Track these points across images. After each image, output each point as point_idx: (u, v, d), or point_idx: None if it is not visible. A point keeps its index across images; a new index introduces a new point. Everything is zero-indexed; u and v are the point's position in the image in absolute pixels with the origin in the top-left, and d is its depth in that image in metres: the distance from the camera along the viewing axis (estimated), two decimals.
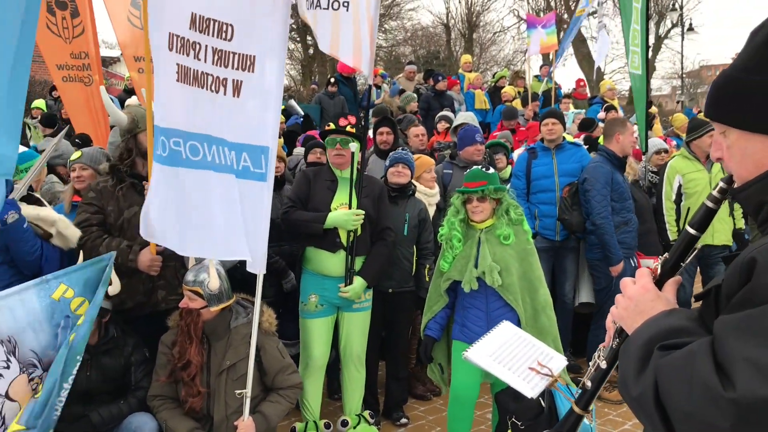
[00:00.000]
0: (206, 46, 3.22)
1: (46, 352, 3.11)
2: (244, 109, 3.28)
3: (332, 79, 11.68)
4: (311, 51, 27.94)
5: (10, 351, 3.01)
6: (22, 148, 5.02)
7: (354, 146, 4.42)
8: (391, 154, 5.24)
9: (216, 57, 3.24)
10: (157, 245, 3.84)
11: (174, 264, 4.00)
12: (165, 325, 3.84)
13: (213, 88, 3.26)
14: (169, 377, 3.60)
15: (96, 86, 6.78)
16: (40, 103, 11.39)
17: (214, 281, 3.58)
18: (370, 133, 6.32)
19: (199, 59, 3.23)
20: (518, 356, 2.99)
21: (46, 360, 3.10)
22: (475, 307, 3.94)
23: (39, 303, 3.12)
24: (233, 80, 3.26)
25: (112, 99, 11.51)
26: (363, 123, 5.05)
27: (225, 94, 3.26)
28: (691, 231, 1.45)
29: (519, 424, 3.67)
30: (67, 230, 3.90)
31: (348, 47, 3.68)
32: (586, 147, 6.46)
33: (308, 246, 4.48)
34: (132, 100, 10.27)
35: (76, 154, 4.67)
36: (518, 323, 3.82)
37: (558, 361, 2.87)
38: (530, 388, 2.69)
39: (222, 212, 3.34)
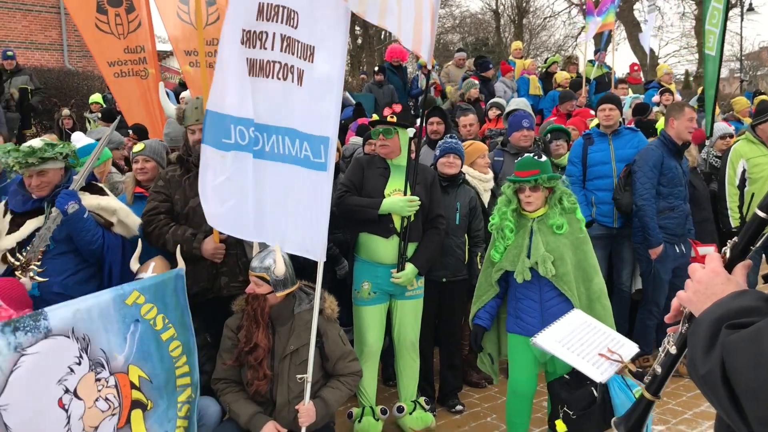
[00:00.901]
0: (273, 33, 3.27)
1: (113, 354, 3.23)
2: (306, 98, 3.31)
3: (379, 68, 11.69)
4: (359, 41, 27.99)
5: (83, 348, 3.12)
6: (85, 141, 5.20)
7: (411, 130, 4.44)
8: (440, 143, 5.22)
9: (284, 44, 3.29)
10: (220, 233, 3.95)
11: (236, 252, 4.10)
12: (227, 312, 3.94)
13: (280, 75, 3.31)
14: (235, 361, 3.67)
15: (152, 79, 6.93)
16: (97, 97, 11.69)
17: (280, 267, 3.63)
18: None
19: (265, 48, 3.29)
20: (588, 342, 2.98)
21: (113, 363, 3.23)
22: (529, 298, 3.90)
23: (114, 307, 3.26)
24: (297, 68, 3.30)
25: (167, 93, 11.78)
26: (413, 111, 5.06)
27: (292, 81, 3.31)
28: (761, 214, 1.41)
29: (571, 413, 3.66)
30: (127, 219, 4.05)
31: (409, 31, 3.67)
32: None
33: (361, 232, 4.51)
34: (186, 93, 10.47)
35: (139, 146, 4.80)
36: None
37: (629, 348, 2.85)
38: (599, 373, 2.68)
39: (280, 201, 3.40)
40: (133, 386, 3.30)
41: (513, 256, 3.90)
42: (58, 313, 3.04)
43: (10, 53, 12.31)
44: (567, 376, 3.81)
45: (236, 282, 4.09)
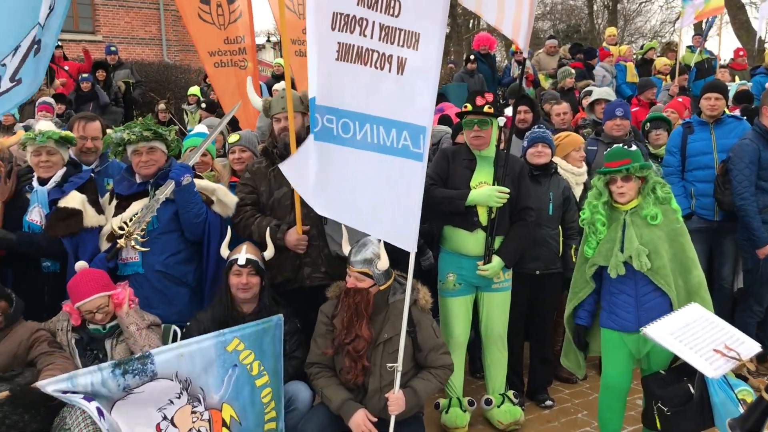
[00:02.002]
0: (373, 22, 3.26)
1: (210, 394, 3.46)
2: (406, 87, 3.28)
3: (471, 56, 11.57)
4: (448, 30, 27.79)
5: (184, 387, 3.37)
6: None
7: (502, 120, 4.36)
8: (528, 133, 5.10)
9: (383, 33, 3.28)
10: (303, 225, 4.06)
11: (318, 243, 4.17)
12: (309, 302, 4.04)
13: (378, 65, 3.31)
14: (330, 349, 3.72)
15: (250, 71, 7.09)
16: (195, 90, 12.09)
17: (384, 261, 3.66)
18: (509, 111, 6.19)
19: (364, 35, 3.29)
20: (703, 337, 2.88)
21: (209, 400, 3.45)
22: (624, 292, 3.78)
23: (215, 353, 3.47)
24: (398, 57, 3.28)
25: (261, 85, 12.08)
26: (501, 100, 4.96)
27: (390, 71, 3.30)
28: None
29: (665, 410, 3.55)
30: (225, 197, 4.28)
31: (508, 17, 3.60)
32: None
33: (446, 225, 4.48)
34: (279, 85, 10.68)
35: (234, 137, 4.95)
36: (670, 307, 3.65)
37: (749, 347, 2.73)
38: (713, 369, 2.58)
39: (374, 190, 3.42)
40: (224, 424, 3.51)
41: (606, 251, 3.79)
42: (163, 357, 3.31)
43: (113, 48, 12.95)
44: (662, 372, 3.70)
45: (319, 273, 4.17)
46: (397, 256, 3.74)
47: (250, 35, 7.16)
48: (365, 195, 3.45)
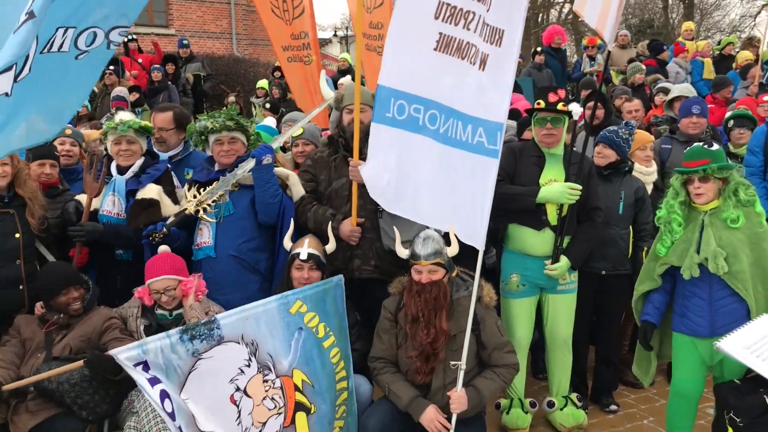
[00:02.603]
0: (479, 16, 3.21)
1: (279, 359, 3.49)
2: (486, 83, 3.25)
3: (538, 49, 11.36)
4: None
5: (251, 352, 3.41)
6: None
7: (576, 112, 4.29)
8: (602, 132, 4.93)
9: (483, 28, 3.23)
10: (358, 217, 4.08)
11: (371, 236, 4.16)
12: (359, 294, 4.06)
13: (473, 60, 3.27)
14: (395, 345, 3.71)
15: (314, 65, 7.16)
16: (264, 83, 12.30)
17: (454, 247, 3.64)
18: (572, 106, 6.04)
19: (468, 29, 3.23)
20: None
21: (279, 367, 3.48)
22: (697, 296, 3.65)
23: (279, 315, 3.51)
24: (482, 53, 3.24)
25: (327, 79, 12.17)
26: (571, 96, 4.83)
27: (473, 64, 3.26)
28: None
29: (738, 420, 3.43)
30: (295, 187, 4.41)
31: (594, 9, 3.51)
32: None
33: (511, 223, 4.37)
34: (345, 79, 10.77)
35: (299, 131, 4.99)
36: (746, 314, 3.52)
37: None
38: None
39: (447, 185, 3.40)
40: (296, 389, 3.54)
41: (681, 251, 3.67)
42: (228, 320, 3.37)
43: (185, 42, 13.26)
44: (737, 381, 3.56)
45: (368, 266, 4.17)
46: (458, 254, 3.71)
47: (313, 30, 7.20)
48: (438, 190, 3.44)
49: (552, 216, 4.24)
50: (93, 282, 3.95)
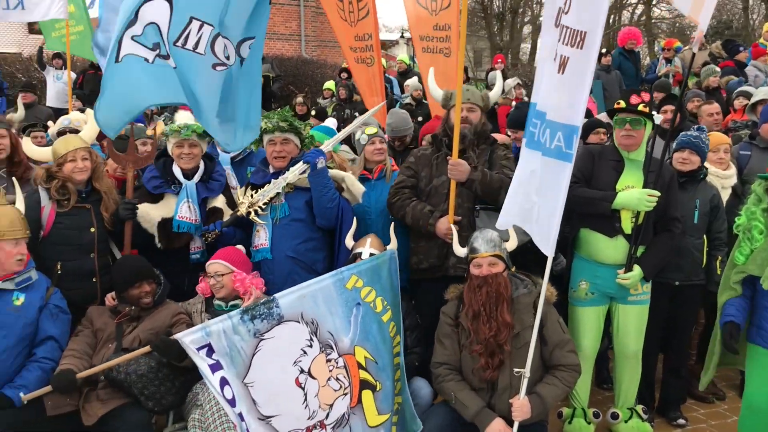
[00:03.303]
0: (565, 26, 3.17)
1: (339, 336, 3.48)
2: (566, 86, 3.19)
3: (603, 50, 11.09)
4: None
5: (312, 332, 3.41)
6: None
7: (658, 117, 4.13)
8: (680, 135, 4.76)
9: (562, 30, 3.18)
10: (455, 215, 4.10)
11: (467, 234, 4.08)
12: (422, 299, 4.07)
13: (557, 66, 3.22)
14: (458, 350, 3.68)
15: (377, 66, 7.17)
16: (330, 84, 12.44)
17: (512, 242, 3.68)
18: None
19: (562, 43, 3.21)
20: None
21: (340, 345, 3.47)
22: None
23: (336, 291, 3.51)
24: (561, 56, 3.19)
25: (390, 80, 12.17)
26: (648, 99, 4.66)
27: (557, 70, 3.21)
28: None
29: None
30: (353, 186, 4.41)
31: None
32: None
33: (583, 228, 4.26)
34: (411, 81, 10.78)
35: (372, 129, 5.01)
36: None
37: None
38: None
39: (528, 189, 3.39)
40: (360, 367, 3.51)
41: (761, 260, 3.49)
42: (287, 300, 3.37)
43: None
44: None
45: (464, 264, 4.09)
46: (522, 258, 3.66)
47: (376, 32, 7.22)
48: (526, 196, 3.43)
49: (626, 223, 4.10)
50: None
